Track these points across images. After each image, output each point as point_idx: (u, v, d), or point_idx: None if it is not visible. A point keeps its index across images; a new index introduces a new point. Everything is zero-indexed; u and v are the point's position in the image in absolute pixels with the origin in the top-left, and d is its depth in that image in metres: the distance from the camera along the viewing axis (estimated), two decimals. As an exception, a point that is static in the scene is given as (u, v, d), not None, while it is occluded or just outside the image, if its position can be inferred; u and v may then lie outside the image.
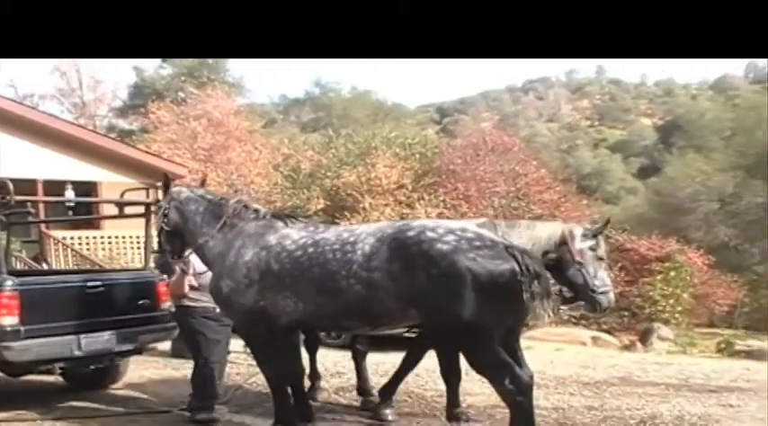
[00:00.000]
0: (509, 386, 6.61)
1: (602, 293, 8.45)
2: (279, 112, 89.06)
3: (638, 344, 19.29)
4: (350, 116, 65.11)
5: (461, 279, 6.48)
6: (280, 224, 8.05)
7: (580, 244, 8.44)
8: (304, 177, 30.82)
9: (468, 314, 6.48)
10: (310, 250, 7.45)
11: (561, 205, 27.79)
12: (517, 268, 6.54)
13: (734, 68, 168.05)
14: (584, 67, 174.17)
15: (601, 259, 8.58)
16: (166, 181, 8.90)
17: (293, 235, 7.77)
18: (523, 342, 17.66)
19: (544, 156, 49.81)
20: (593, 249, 8.48)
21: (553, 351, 16.38)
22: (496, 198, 26.73)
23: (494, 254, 6.60)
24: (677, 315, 23.24)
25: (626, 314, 24.33)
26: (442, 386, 8.90)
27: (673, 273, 23.35)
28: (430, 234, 6.73)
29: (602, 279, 8.51)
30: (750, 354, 16.91)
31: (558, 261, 8.29)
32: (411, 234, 6.83)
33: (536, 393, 10.78)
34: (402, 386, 9.95)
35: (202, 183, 9.66)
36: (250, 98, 62.87)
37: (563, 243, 8.43)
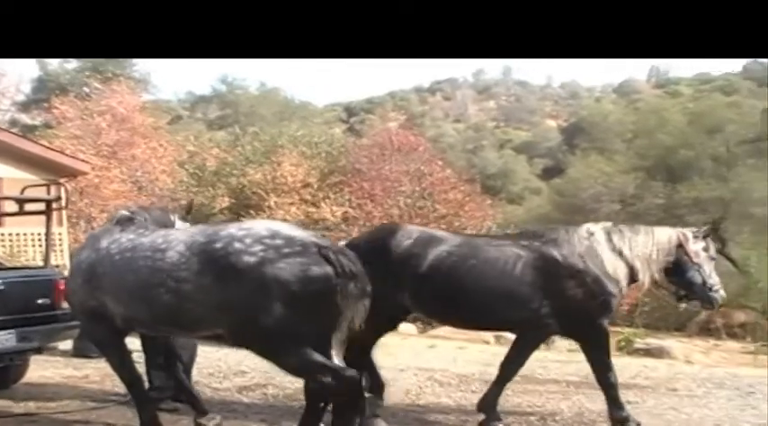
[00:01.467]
0: (329, 385, 6.55)
1: (716, 291, 8.85)
2: (185, 109, 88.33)
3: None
4: (257, 114, 64.84)
5: (268, 292, 6.46)
6: (117, 227, 8.05)
7: (694, 246, 8.87)
8: (209, 175, 30.59)
9: (275, 324, 6.46)
10: (127, 254, 7.47)
11: (465, 204, 28.04)
12: (331, 270, 6.54)
13: (637, 72, 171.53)
14: (491, 68, 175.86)
15: (713, 259, 9.05)
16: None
17: (122, 238, 7.76)
18: (427, 341, 17.80)
19: (450, 156, 50.25)
20: (705, 250, 8.94)
21: (456, 350, 16.53)
22: (402, 197, 26.86)
23: (305, 259, 6.55)
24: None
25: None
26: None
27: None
28: (237, 245, 6.67)
29: (716, 278, 8.91)
30: (648, 352, 17.27)
31: (678, 263, 8.79)
32: (218, 246, 6.79)
33: (439, 391, 10.93)
34: (262, 380, 10.01)
35: (189, 208, 9.68)
36: (156, 94, 62.13)
37: (679, 245, 8.83)
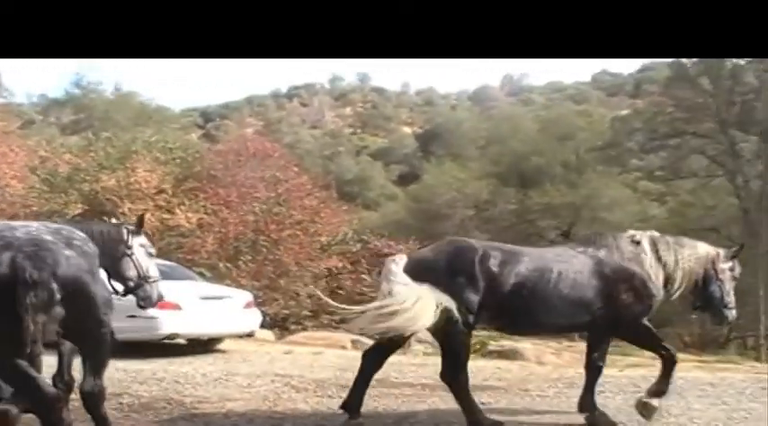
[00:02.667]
0: (34, 399, 6.29)
1: (730, 309, 9.46)
2: (38, 113, 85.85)
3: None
4: (112, 118, 63.30)
5: None
6: None
7: (722, 265, 9.46)
8: (62, 181, 29.74)
9: None
10: None
11: (321, 211, 28.12)
12: (9, 275, 5.98)
13: (491, 80, 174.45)
14: (348, 75, 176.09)
15: (735, 279, 9.61)
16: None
17: None
18: (283, 347, 17.73)
19: (307, 163, 50.23)
20: (731, 270, 9.52)
21: (312, 355, 16.55)
22: (257, 203, 26.72)
23: None
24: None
25: (386, 318, 24.82)
26: (203, 393, 8.86)
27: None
28: None
29: (732, 298, 9.50)
30: (502, 354, 17.58)
31: (703, 277, 9.34)
32: None
33: (296, 397, 10.95)
34: (161, 393, 9.86)
35: (140, 223, 9.38)
36: (8, 97, 60.05)
37: (712, 261, 9.39)
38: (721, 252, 9.59)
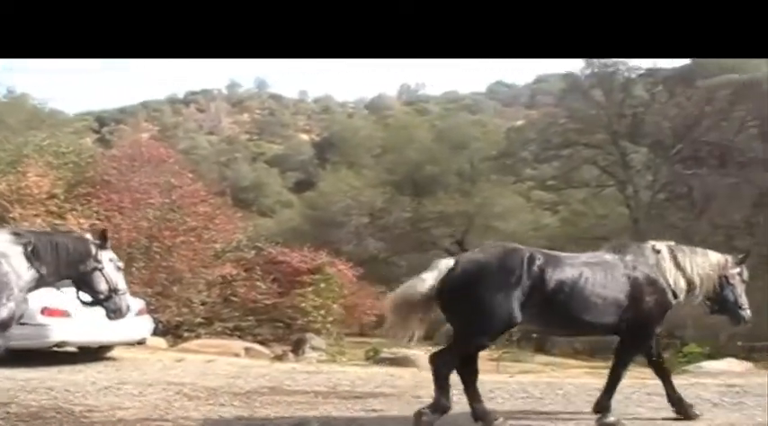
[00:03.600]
0: None
1: (744, 309, 10.13)
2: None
3: (291, 354, 19.68)
4: (3, 121, 61.75)
5: None
6: None
7: (732, 270, 10.10)
8: (-49, 184, 29.02)
9: None
10: None
11: (215, 217, 27.93)
12: None
13: (388, 88, 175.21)
14: (245, 81, 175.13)
15: (745, 282, 10.26)
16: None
17: None
18: (175, 355, 17.53)
19: (203, 169, 49.81)
20: (740, 274, 10.16)
21: (205, 363, 16.41)
22: (151, 209, 26.41)
23: None
24: (328, 325, 23.97)
25: (280, 325, 24.77)
26: (93, 401, 8.72)
27: (323, 285, 24.12)
28: None
29: (745, 299, 10.17)
30: (395, 361, 17.63)
31: (719, 283, 9.97)
32: None
33: (187, 405, 10.86)
34: (50, 402, 9.71)
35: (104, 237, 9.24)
36: None
37: (723, 267, 10.02)
38: (729, 258, 10.22)
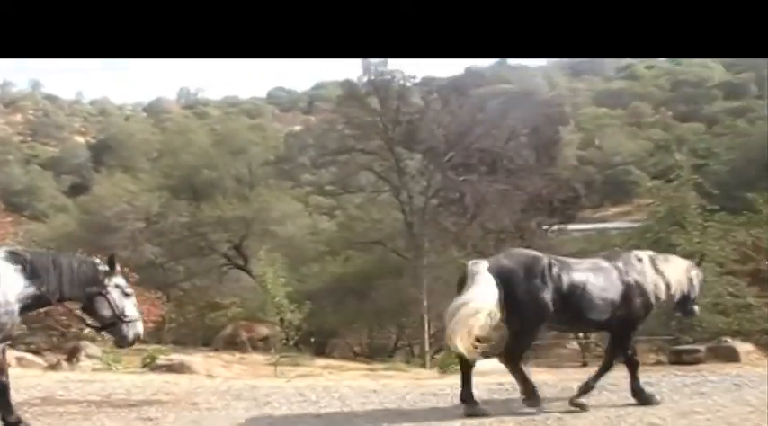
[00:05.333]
0: None
1: (695, 304, 12.14)
2: None
3: (65, 363, 19.20)
4: None
5: None
6: None
7: (693, 272, 11.86)
8: None
9: None
10: None
11: (-15, 222, 26.92)
12: None
13: (168, 92, 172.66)
14: (19, 81, 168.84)
15: (700, 282, 12.12)
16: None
17: None
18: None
19: (-31, 173, 47.88)
20: (697, 276, 11.98)
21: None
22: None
23: None
24: (103, 332, 23.50)
25: (54, 332, 24.14)
26: None
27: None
28: None
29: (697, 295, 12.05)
30: (171, 367, 17.46)
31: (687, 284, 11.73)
32: None
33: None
34: None
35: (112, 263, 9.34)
36: None
37: (688, 270, 11.79)
38: (691, 262, 12.09)
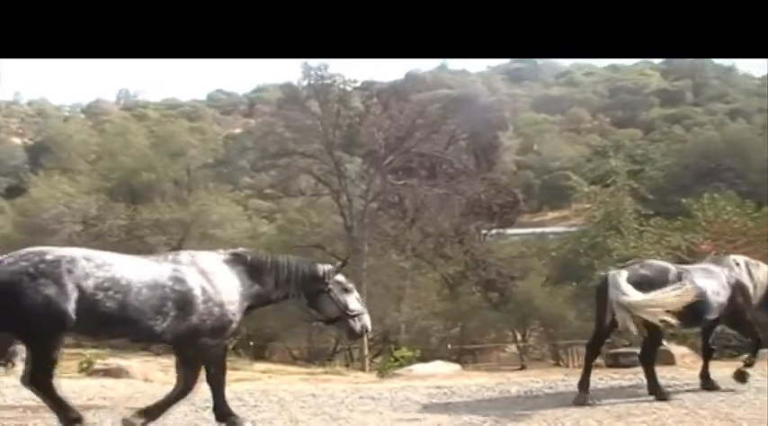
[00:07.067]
0: None
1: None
2: None
3: (1, 368, 18.95)
4: None
5: None
6: None
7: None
8: None
9: None
10: None
11: None
12: None
13: (107, 94, 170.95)
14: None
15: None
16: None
17: None
18: None
19: None
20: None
21: None
22: None
23: None
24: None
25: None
26: None
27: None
28: None
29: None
30: (108, 372, 17.24)
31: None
32: None
33: None
34: None
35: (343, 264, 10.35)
36: None
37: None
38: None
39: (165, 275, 8.47)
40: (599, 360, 23.45)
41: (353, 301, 9.63)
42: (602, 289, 11.69)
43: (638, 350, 18.48)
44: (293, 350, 41.57)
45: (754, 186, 53.74)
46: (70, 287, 7.92)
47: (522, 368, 30.82)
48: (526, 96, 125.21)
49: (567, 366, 31.54)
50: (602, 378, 13.89)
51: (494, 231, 47.96)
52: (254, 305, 9.30)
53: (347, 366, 31.61)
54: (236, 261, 9.14)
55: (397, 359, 21.04)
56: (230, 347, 24.79)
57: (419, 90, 51.41)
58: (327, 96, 43.65)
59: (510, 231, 50.70)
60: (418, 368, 20.06)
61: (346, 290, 9.62)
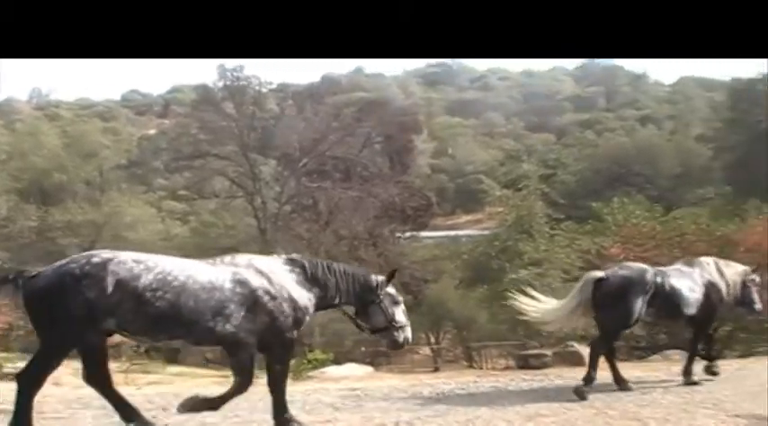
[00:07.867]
0: None
1: (757, 303, 14.08)
2: None
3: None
4: None
5: None
6: None
7: (750, 277, 13.97)
8: None
9: None
10: None
11: None
12: None
13: (18, 93, 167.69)
14: None
15: (757, 285, 14.06)
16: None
17: None
18: None
19: None
20: (753, 280, 14.08)
21: None
22: None
23: None
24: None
25: None
26: None
27: (-60, 298, 23.09)
28: None
29: (757, 296, 14.04)
30: (8, 376, 17.18)
31: (742, 285, 14.00)
32: None
33: None
34: None
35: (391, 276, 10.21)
36: None
37: (745, 274, 14.04)
38: (748, 268, 14.11)
39: (224, 278, 8.56)
40: (510, 362, 23.87)
41: (400, 313, 9.80)
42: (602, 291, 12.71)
43: (548, 352, 19.02)
44: (206, 352, 41.34)
45: (662, 191, 55.24)
46: (112, 288, 8.01)
47: (436, 370, 31.04)
48: (441, 100, 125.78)
49: (481, 367, 31.86)
50: (512, 379, 14.18)
51: (407, 234, 48.16)
52: (317, 306, 9.43)
53: (260, 369, 31.58)
54: (294, 264, 9.28)
55: (310, 362, 21.14)
56: (143, 350, 24.73)
57: (334, 92, 51.71)
58: (243, 98, 43.64)
59: (423, 234, 50.95)
60: (331, 370, 20.27)
61: (395, 302, 9.78)
